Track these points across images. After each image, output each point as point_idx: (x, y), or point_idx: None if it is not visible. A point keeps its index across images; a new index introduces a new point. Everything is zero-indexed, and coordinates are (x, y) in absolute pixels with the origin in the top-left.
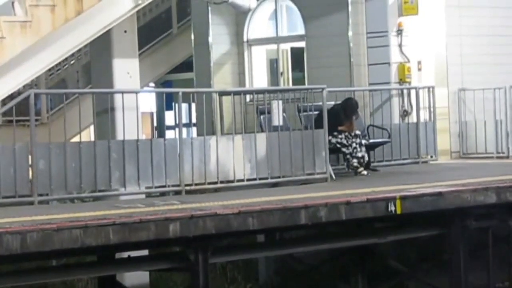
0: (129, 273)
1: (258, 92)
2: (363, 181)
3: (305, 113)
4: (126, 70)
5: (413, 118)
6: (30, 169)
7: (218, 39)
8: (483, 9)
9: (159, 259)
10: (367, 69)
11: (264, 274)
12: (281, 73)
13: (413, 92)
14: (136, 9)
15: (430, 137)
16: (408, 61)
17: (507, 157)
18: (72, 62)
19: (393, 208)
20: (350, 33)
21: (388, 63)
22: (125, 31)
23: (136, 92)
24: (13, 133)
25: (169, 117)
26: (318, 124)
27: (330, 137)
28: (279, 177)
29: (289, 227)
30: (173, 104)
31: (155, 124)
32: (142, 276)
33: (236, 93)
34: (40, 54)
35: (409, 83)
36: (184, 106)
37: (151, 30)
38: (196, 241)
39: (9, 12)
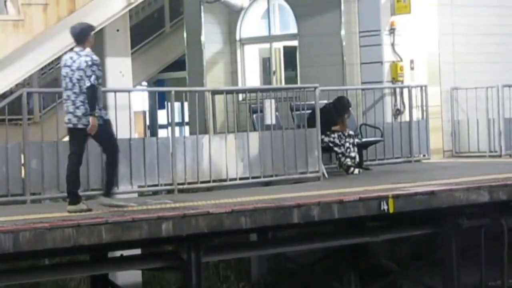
0: (121, 272)
1: (251, 91)
2: (356, 180)
3: (297, 112)
4: (118, 69)
5: (405, 117)
6: (22, 168)
7: (211, 38)
8: (476, 8)
9: (151, 258)
10: (360, 68)
11: (257, 273)
12: (274, 72)
13: (405, 91)
14: (129, 8)
15: (422, 136)
16: (401, 60)
17: (500, 156)
18: None
19: (385, 207)
20: (342, 32)
21: (381, 62)
22: (118, 30)
23: (129, 91)
24: (6, 132)
25: (162, 116)
26: (311, 123)
27: (323, 136)
28: (271, 176)
29: (281, 226)
30: (165, 103)
31: (147, 123)
32: (134, 275)
33: (228, 92)
34: (33, 53)
35: (402, 82)
36: (177, 105)
37: (144, 29)
38: (188, 240)
39: (2, 11)
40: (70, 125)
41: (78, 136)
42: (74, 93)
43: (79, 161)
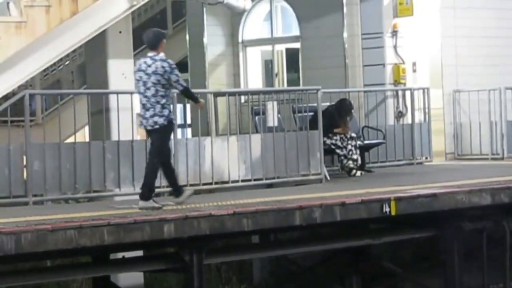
0: (123, 274)
1: (253, 93)
2: (358, 182)
3: (300, 114)
4: (121, 70)
5: (408, 119)
6: (24, 169)
7: (213, 40)
8: (478, 11)
9: (153, 260)
10: (362, 70)
11: (259, 275)
12: (276, 74)
13: (408, 93)
14: (131, 9)
15: (424, 138)
16: (403, 62)
17: (502, 159)
18: (67, 62)
19: (387, 209)
20: (345, 34)
21: (383, 64)
22: (120, 32)
23: (131, 93)
24: (8, 134)
25: None
26: (313, 125)
27: (325, 138)
28: (274, 178)
29: (283, 228)
30: None
31: None
32: (136, 277)
33: (231, 94)
34: (35, 54)
35: (404, 84)
36: (179, 106)
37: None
38: (190, 242)
39: (4, 12)
40: (142, 126)
41: (154, 135)
42: (146, 96)
43: (167, 155)
